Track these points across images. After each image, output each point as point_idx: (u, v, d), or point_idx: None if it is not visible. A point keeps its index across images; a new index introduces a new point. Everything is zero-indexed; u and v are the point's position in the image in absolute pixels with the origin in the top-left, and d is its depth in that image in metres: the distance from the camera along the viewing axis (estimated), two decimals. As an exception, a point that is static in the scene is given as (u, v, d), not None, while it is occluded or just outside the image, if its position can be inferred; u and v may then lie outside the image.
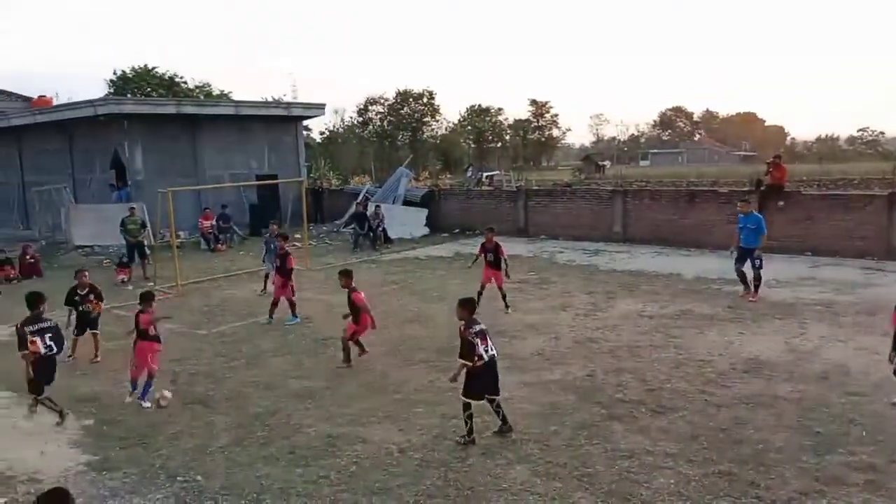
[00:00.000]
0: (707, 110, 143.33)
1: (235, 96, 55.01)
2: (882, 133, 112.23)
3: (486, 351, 7.35)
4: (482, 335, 7.41)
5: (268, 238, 15.71)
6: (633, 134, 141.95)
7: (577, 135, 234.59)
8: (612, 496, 6.29)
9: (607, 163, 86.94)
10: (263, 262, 15.97)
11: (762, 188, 20.23)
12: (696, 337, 11.39)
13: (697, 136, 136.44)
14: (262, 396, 9.24)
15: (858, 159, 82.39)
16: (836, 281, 15.54)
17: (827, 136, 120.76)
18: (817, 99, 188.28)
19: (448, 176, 47.33)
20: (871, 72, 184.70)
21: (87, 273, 11.54)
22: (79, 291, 11.12)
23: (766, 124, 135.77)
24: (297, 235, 22.67)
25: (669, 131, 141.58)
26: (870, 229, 18.57)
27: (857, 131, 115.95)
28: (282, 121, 30.71)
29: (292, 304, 13.24)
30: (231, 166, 28.48)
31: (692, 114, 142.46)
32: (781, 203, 19.58)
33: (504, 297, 13.29)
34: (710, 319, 12.46)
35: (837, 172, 49.97)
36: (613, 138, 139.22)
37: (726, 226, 20.40)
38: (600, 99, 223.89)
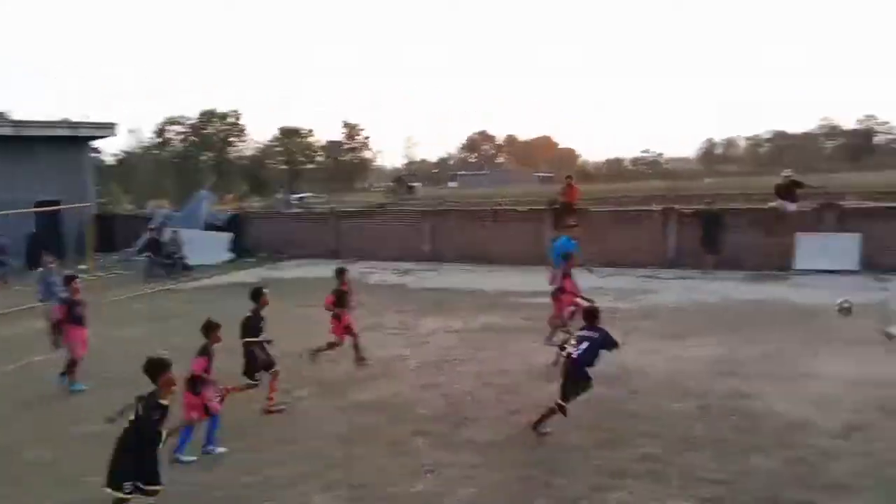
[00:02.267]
0: (509, 135, 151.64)
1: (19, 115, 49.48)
2: (661, 154, 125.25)
3: None
4: None
5: (44, 272, 13.28)
6: (442, 157, 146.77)
7: (390, 157, 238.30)
8: (416, 512, 6.34)
9: (418, 184, 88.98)
10: (42, 301, 13.08)
11: (556, 207, 21.68)
12: (497, 349, 11.88)
13: (500, 158, 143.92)
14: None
15: (641, 178, 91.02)
16: (620, 289, 16.97)
17: (614, 157, 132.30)
18: (605, 122, 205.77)
19: (257, 199, 45.99)
20: (653, 95, 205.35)
21: None
22: None
23: (559, 147, 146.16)
24: (82, 266, 20.80)
25: (476, 154, 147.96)
26: (648, 241, 20.55)
27: (640, 152, 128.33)
28: (69, 142, 28.17)
29: (73, 364, 10.54)
30: (11, 190, 25.49)
31: (495, 137, 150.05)
32: (573, 221, 21.07)
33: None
34: (510, 331, 13.07)
35: (623, 191, 54.84)
36: (424, 160, 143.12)
37: (526, 243, 21.69)
38: (412, 122, 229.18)
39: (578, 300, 10.65)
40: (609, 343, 7.92)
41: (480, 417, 8.63)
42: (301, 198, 51.20)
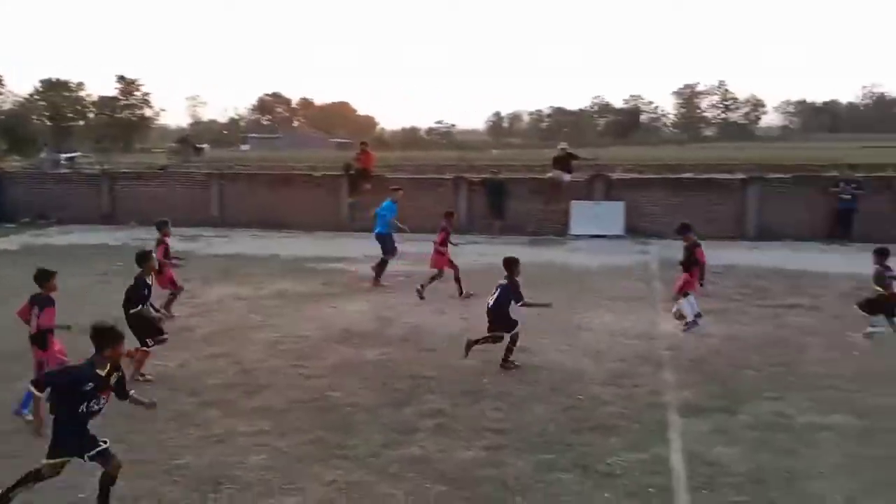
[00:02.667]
0: (304, 98, 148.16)
1: None
2: (454, 125, 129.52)
3: None
4: None
5: None
6: (232, 117, 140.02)
7: (174, 116, 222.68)
8: (204, 483, 6.06)
9: (206, 146, 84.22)
10: None
11: (351, 172, 21.63)
12: (292, 315, 11.66)
13: (296, 122, 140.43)
14: None
15: (435, 148, 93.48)
16: (416, 254, 17.34)
17: (410, 126, 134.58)
18: (402, 92, 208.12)
19: (18, 158, 40.87)
20: (447, 68, 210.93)
21: None
22: None
23: (358, 114, 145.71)
24: None
25: (269, 116, 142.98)
26: (441, 208, 21.13)
27: (435, 123, 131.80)
28: None
29: None
30: None
31: (290, 100, 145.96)
32: (369, 186, 21.16)
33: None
34: (306, 297, 12.88)
35: (419, 159, 55.99)
36: (213, 121, 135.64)
37: (321, 209, 21.47)
38: (197, 80, 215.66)
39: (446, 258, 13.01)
40: (515, 293, 9.10)
41: (273, 385, 8.44)
42: (71, 158, 46.26)
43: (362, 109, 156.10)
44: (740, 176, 21.76)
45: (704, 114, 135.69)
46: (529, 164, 33.78)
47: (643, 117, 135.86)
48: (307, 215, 21.28)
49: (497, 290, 9.17)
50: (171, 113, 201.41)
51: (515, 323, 9.11)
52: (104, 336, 5.39)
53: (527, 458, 6.51)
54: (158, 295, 11.65)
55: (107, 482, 5.43)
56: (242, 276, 14.70)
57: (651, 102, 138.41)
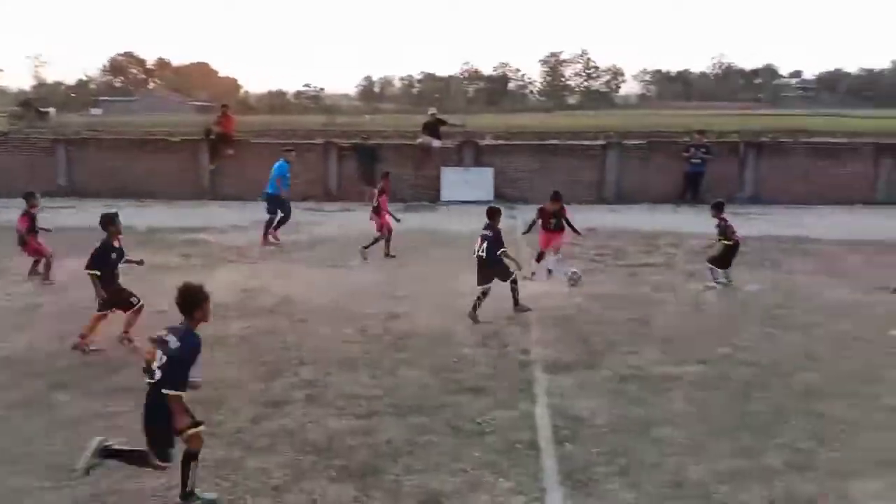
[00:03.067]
0: (160, 58, 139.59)
1: None
2: (322, 89, 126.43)
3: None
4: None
5: None
6: (81, 79, 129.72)
7: (14, 78, 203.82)
8: (57, 470, 5.67)
9: (51, 110, 77.71)
10: None
11: (212, 137, 20.68)
12: (149, 288, 11.01)
13: (152, 84, 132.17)
14: None
15: (303, 112, 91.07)
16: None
17: (277, 90, 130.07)
18: (268, 54, 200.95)
19: None
20: (315, 30, 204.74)
21: None
22: None
23: (220, 75, 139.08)
24: None
25: (122, 78, 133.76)
26: (310, 175, 20.71)
27: (303, 86, 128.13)
28: None
29: None
30: None
31: (145, 61, 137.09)
32: (231, 151, 20.35)
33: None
34: (164, 270, 12.22)
35: (286, 124, 54.35)
36: (59, 83, 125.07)
37: (179, 176, 20.43)
38: (40, 37, 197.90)
39: (388, 218, 13.37)
40: (497, 241, 9.66)
41: (131, 363, 7.97)
42: None
43: (224, 71, 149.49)
44: (601, 142, 22.70)
45: (568, 82, 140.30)
46: (401, 129, 33.64)
47: (511, 85, 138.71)
48: (165, 183, 20.25)
49: (483, 241, 9.72)
50: (11, 74, 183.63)
51: (507, 267, 9.74)
52: (195, 298, 5.32)
53: (399, 423, 6.56)
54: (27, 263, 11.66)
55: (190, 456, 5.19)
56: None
57: (518, 70, 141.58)
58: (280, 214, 14.67)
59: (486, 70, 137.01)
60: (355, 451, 6.07)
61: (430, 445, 6.17)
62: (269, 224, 14.57)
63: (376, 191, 13.83)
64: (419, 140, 21.40)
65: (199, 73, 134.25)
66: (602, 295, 10.85)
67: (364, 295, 10.76)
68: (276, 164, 14.94)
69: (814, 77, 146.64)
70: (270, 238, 14.51)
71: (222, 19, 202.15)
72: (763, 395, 7.21)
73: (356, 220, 17.18)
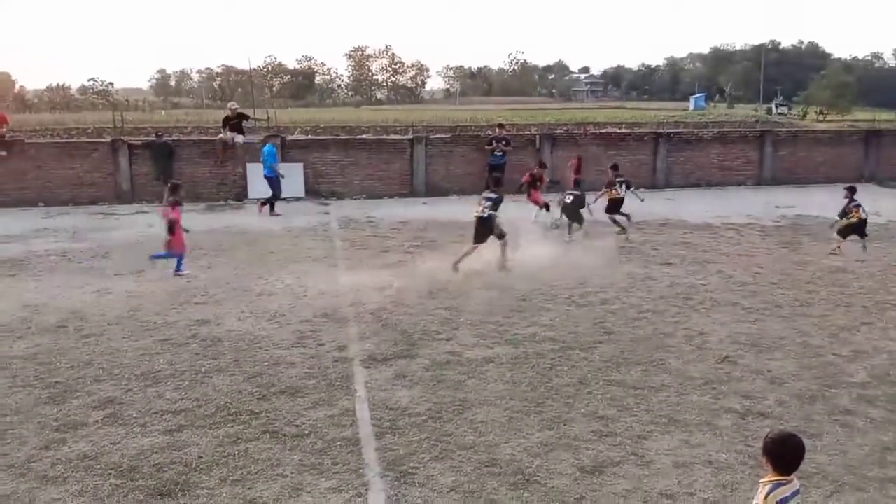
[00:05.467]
0: None
1: None
2: (111, 84, 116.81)
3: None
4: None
5: None
6: None
7: None
8: None
9: None
10: None
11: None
12: None
13: None
14: None
15: (91, 109, 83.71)
16: (70, 229, 15.45)
17: (59, 85, 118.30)
18: (47, 46, 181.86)
19: None
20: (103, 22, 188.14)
21: None
22: None
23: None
24: None
25: None
26: (99, 176, 19.09)
27: (88, 81, 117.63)
28: None
29: None
30: None
31: None
32: (4, 153, 18.24)
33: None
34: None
35: (70, 122, 49.64)
36: None
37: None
38: None
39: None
40: (498, 201, 11.82)
41: None
42: None
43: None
44: (408, 136, 23.01)
45: (376, 76, 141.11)
46: (202, 125, 31.99)
47: (318, 79, 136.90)
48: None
49: (488, 202, 11.73)
50: None
51: (501, 228, 11.70)
52: None
53: (211, 435, 6.21)
54: None
55: None
56: None
57: (324, 64, 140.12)
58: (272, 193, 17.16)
59: (291, 64, 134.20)
60: (163, 469, 5.67)
61: (246, 454, 5.90)
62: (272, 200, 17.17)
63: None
64: (220, 135, 20.43)
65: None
66: (415, 286, 10.98)
67: (166, 302, 10.07)
68: (266, 149, 17.54)
69: (600, 73, 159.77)
70: (261, 211, 17.14)
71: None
72: (568, 369, 7.69)
73: (154, 224, 16.07)
